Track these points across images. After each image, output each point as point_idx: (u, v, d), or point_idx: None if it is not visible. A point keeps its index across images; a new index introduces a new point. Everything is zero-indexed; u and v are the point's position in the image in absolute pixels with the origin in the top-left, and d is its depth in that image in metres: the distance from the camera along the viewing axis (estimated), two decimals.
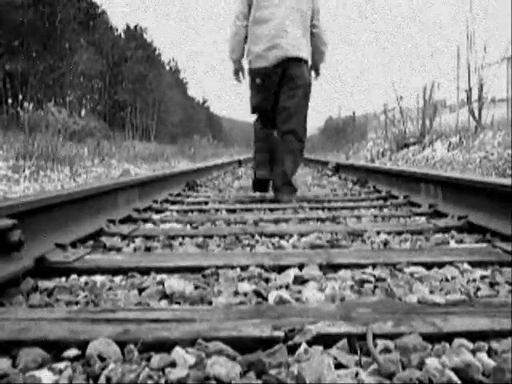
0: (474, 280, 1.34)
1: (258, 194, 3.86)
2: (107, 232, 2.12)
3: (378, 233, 2.10)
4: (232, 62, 3.48)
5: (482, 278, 1.36)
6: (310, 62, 3.48)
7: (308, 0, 3.31)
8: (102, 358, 0.85)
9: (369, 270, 1.46)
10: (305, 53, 3.32)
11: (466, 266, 1.46)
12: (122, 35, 28.66)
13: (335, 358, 0.84)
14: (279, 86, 3.30)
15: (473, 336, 0.90)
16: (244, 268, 1.49)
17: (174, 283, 1.29)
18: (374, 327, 0.93)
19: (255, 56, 3.28)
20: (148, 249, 1.87)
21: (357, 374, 0.78)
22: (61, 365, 0.84)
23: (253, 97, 3.43)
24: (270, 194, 3.71)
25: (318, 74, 3.74)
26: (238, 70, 3.53)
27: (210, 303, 1.20)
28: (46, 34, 16.21)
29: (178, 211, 3.07)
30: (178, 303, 1.20)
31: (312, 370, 0.78)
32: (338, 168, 6.86)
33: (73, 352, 0.88)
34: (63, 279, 1.43)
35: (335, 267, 1.48)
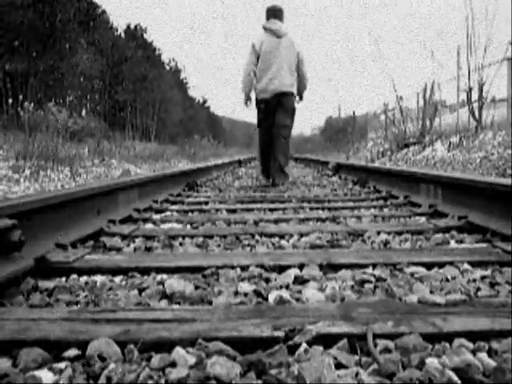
0: (474, 280, 1.34)
1: (258, 194, 4.12)
2: (107, 232, 2.12)
3: (379, 233, 2.10)
4: (244, 93, 5.01)
5: (483, 278, 1.36)
6: (295, 92, 5.08)
7: (293, 53, 4.88)
8: (102, 358, 0.85)
9: (369, 270, 1.46)
10: (291, 88, 4.94)
11: (466, 266, 1.46)
12: (123, 35, 28.66)
13: (335, 358, 0.84)
14: (275, 110, 4.92)
15: (473, 336, 0.90)
16: (244, 268, 1.49)
17: (174, 283, 1.29)
18: (375, 327, 0.93)
19: (260, 90, 4.92)
20: (148, 249, 1.87)
21: (357, 374, 0.79)
22: (61, 365, 0.85)
23: (259, 116, 5.06)
24: (271, 194, 4.02)
25: (301, 99, 5.29)
26: (247, 100, 5.08)
27: (211, 303, 1.20)
28: (45, 34, 16.20)
29: (178, 211, 3.07)
30: (178, 303, 1.21)
31: (312, 369, 0.78)
32: (339, 168, 6.86)
33: (73, 352, 0.88)
34: (63, 279, 1.43)
35: (335, 267, 1.48)
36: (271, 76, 4.81)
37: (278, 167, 4.90)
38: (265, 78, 4.84)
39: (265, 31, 4.90)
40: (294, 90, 5.02)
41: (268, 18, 4.95)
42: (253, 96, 5.11)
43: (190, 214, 3.01)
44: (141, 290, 1.30)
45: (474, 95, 8.62)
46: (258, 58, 4.85)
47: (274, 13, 4.95)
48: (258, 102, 4.99)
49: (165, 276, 1.43)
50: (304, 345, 0.88)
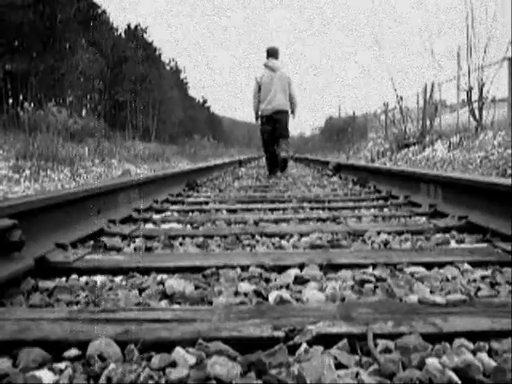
0: (475, 280, 1.34)
1: (258, 194, 4.09)
2: (108, 232, 2.12)
3: (379, 233, 2.09)
4: (254, 112, 7.01)
5: (483, 278, 1.36)
6: (289, 110, 6.96)
7: (285, 82, 6.74)
8: (102, 358, 0.85)
9: (369, 270, 1.46)
10: (285, 107, 6.83)
11: (466, 266, 1.46)
12: (123, 35, 28.65)
13: (335, 358, 0.84)
14: (273, 122, 6.80)
15: (473, 336, 0.90)
16: (244, 268, 1.49)
17: (174, 283, 1.29)
18: (375, 327, 0.93)
19: (263, 109, 6.82)
20: (148, 249, 1.87)
21: (357, 374, 0.79)
22: (61, 365, 0.85)
23: (262, 127, 6.93)
24: (271, 194, 3.94)
25: (294, 116, 7.09)
26: (256, 116, 7.06)
27: (211, 303, 1.20)
28: (46, 34, 16.20)
29: (178, 211, 3.07)
30: (179, 303, 1.20)
31: (312, 369, 0.78)
32: (339, 168, 6.86)
33: (73, 352, 0.88)
34: (63, 279, 1.43)
35: (336, 267, 1.48)
36: (270, 99, 6.75)
37: (279, 162, 6.97)
38: (266, 101, 6.78)
39: (265, 67, 6.86)
40: (288, 109, 6.91)
41: (267, 57, 6.91)
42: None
43: (190, 214, 3.01)
44: (141, 290, 1.30)
45: (475, 95, 8.62)
46: (260, 87, 6.83)
47: (272, 53, 6.89)
48: (262, 117, 6.92)
49: (165, 276, 1.43)
50: (304, 345, 0.88)
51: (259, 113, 6.91)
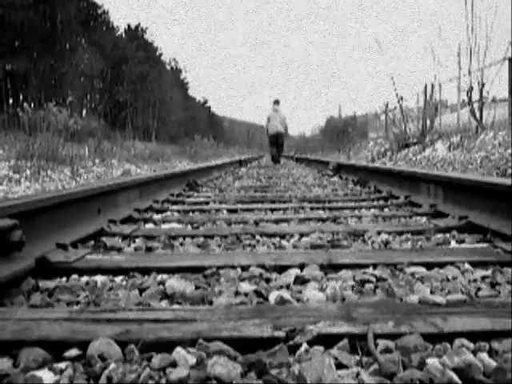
0: (475, 280, 1.34)
1: (259, 194, 4.08)
2: (108, 232, 2.12)
3: (379, 233, 2.09)
4: (266, 131, 13.75)
5: (483, 278, 1.35)
6: (284, 132, 13.79)
7: (282, 117, 13.27)
8: (102, 358, 0.85)
9: (370, 270, 1.46)
10: (282, 131, 13.44)
11: (466, 266, 1.46)
12: (123, 35, 28.64)
13: (336, 358, 0.84)
14: (276, 139, 13.37)
15: (474, 336, 0.90)
16: (245, 268, 1.49)
17: (174, 283, 1.29)
18: (375, 327, 0.93)
19: (270, 130, 13.31)
20: (149, 249, 1.87)
21: (358, 374, 0.78)
22: (61, 365, 0.85)
23: (269, 140, 13.67)
24: (272, 194, 3.94)
25: (286, 135, 14.32)
26: (267, 133, 13.67)
27: (211, 303, 1.20)
28: (46, 34, 16.21)
29: (178, 211, 3.07)
30: (179, 303, 1.20)
31: (313, 370, 0.78)
32: (339, 168, 6.86)
33: (74, 352, 0.88)
34: (64, 279, 1.43)
35: (336, 267, 1.48)
36: (274, 126, 12.65)
37: (278, 158, 13.15)
38: (271, 127, 12.68)
39: (272, 109, 12.74)
40: (283, 131, 12.87)
41: (273, 104, 12.81)
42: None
43: (190, 214, 3.01)
44: (141, 290, 1.30)
45: (475, 95, 8.61)
46: (269, 119, 12.78)
47: (277, 101, 12.84)
48: (269, 136, 12.89)
49: (165, 276, 1.43)
50: (305, 345, 0.88)
51: (268, 132, 12.83)
